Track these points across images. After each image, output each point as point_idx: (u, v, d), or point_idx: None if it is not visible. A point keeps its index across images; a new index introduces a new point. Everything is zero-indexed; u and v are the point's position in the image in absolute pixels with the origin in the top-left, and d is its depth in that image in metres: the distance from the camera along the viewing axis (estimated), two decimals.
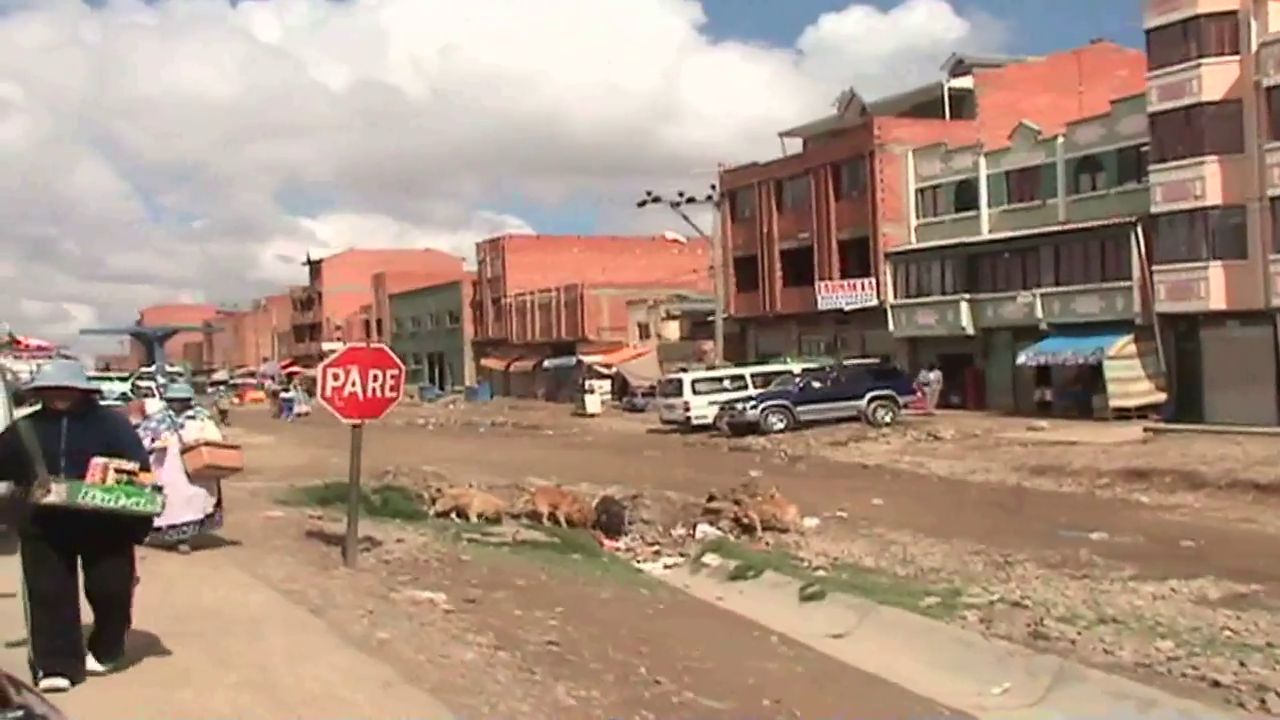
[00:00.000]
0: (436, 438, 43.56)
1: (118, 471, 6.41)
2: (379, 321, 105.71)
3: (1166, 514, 21.15)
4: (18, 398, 12.90)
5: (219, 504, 12.50)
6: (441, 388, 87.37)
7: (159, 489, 6.64)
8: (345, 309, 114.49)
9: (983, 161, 45.16)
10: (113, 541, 6.68)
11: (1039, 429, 34.60)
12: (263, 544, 13.07)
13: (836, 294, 49.88)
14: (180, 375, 44.33)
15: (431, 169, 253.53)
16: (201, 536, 12.23)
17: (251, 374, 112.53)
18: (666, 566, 16.18)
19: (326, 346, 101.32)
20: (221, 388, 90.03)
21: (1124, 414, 36.57)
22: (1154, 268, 37.10)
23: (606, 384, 64.59)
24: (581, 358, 70.54)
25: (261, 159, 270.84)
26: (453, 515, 17.78)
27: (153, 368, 42.00)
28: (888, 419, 38.60)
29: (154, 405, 17.71)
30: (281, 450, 31.47)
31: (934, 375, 43.14)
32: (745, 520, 18.40)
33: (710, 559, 15.59)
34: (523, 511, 18.75)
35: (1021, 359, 41.37)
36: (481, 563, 13.20)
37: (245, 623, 8.32)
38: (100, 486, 6.35)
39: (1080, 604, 11.65)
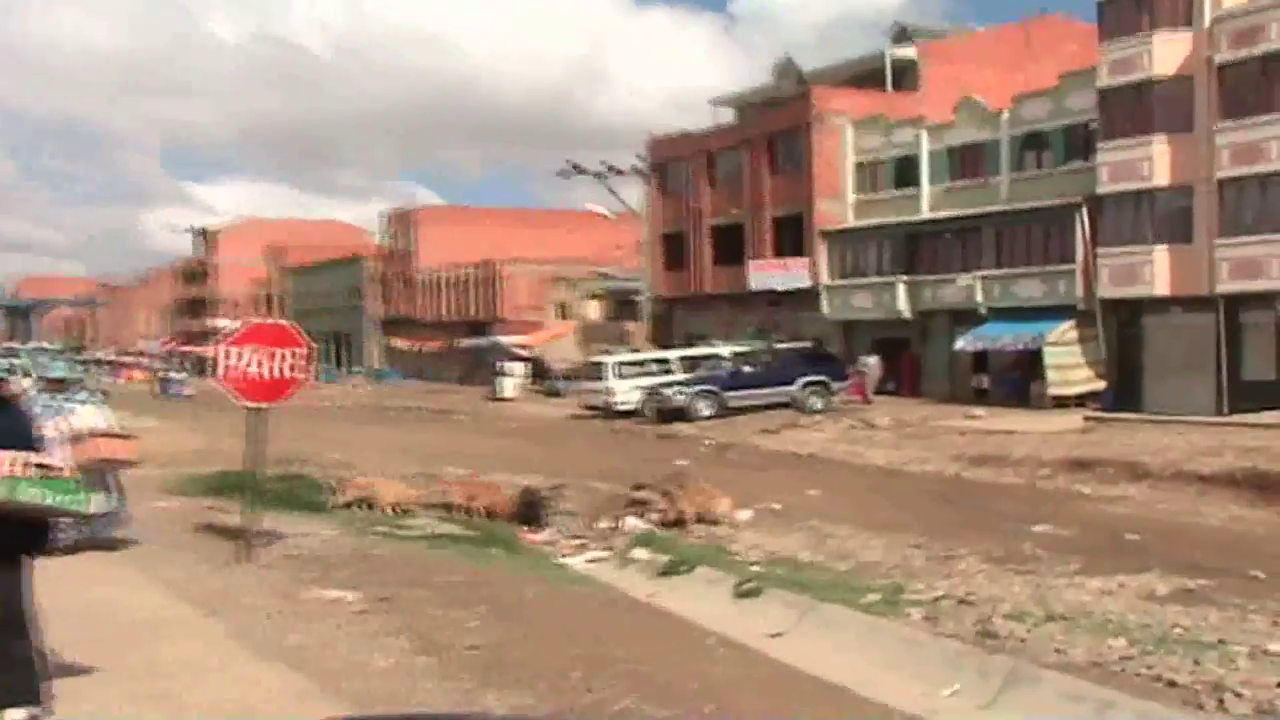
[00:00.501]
0: (340, 423, 43.05)
1: (36, 466, 5.80)
2: (275, 297, 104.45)
3: (1109, 506, 21.45)
4: None
5: (121, 498, 12.18)
6: (344, 370, 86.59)
7: (92, 486, 6.12)
8: (238, 283, 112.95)
9: (925, 136, 45.54)
10: (9, 549, 5.95)
11: (976, 417, 35.01)
12: (153, 539, 12.79)
13: (769, 274, 50.12)
14: (60, 353, 43.37)
15: (336, 134, 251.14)
16: (99, 537, 11.83)
17: (133, 352, 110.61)
18: (591, 561, 16.10)
19: (218, 323, 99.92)
20: (101, 366, 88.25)
21: (1063, 402, 37.14)
22: (1097, 251, 37.68)
23: (524, 367, 64.39)
24: (497, 339, 70.22)
25: (149, 118, 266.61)
26: (361, 506, 17.62)
27: (24, 344, 41.10)
28: (820, 405, 38.92)
29: (24, 387, 17.23)
30: (168, 435, 30.85)
31: (873, 360, 43.49)
32: (676, 513, 18.36)
33: (639, 553, 15.52)
34: (437, 503, 18.59)
35: (959, 344, 41.85)
36: (395, 558, 13.08)
37: (139, 628, 8.11)
38: (38, 482, 5.74)
39: (1027, 600, 11.75)
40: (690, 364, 43.49)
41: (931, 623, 10.53)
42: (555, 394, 56.09)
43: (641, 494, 19.27)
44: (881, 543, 16.81)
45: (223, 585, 10.20)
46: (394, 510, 17.64)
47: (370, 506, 17.61)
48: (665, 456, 29.13)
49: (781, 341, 46.24)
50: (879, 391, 42.68)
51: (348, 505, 17.71)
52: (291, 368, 12.15)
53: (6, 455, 5.73)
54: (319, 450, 24.29)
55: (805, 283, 48.57)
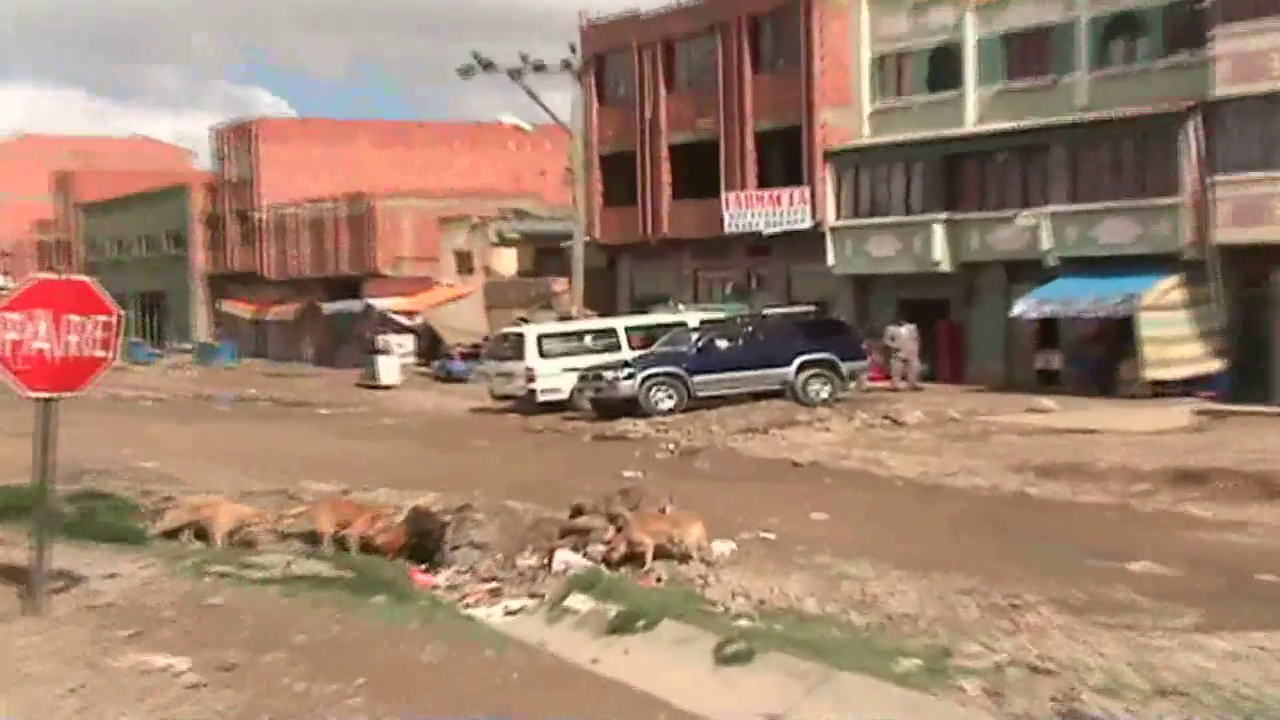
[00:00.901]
0: (158, 419, 42.91)
1: None
2: (67, 244, 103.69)
3: (1234, 534, 21.53)
4: None
5: None
6: (161, 345, 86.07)
7: None
8: (13, 226, 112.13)
9: (970, 19, 45.62)
10: None
11: (1044, 410, 35.18)
12: None
13: (752, 211, 50.13)
14: None
15: (147, 20, 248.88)
16: None
17: None
18: (510, 612, 16.08)
19: None
20: None
21: (1163, 389, 37.34)
22: (1213, 178, 37.80)
23: (410, 341, 64.24)
24: (371, 302, 70.06)
25: None
26: (190, 537, 17.70)
27: None
28: (826, 395, 39.04)
29: None
30: None
31: (905, 330, 43.49)
32: (627, 546, 18.33)
33: (577, 601, 15.51)
34: (297, 532, 18.58)
35: (1019, 309, 42.03)
36: (240, 609, 13.09)
37: None
38: None
39: (1125, 667, 11.78)
40: (644, 337, 43.44)
41: (994, 699, 10.55)
42: (453, 378, 56.28)
43: (581, 520, 19.24)
44: (917, 586, 16.80)
45: (2, 648, 10.10)
46: (236, 542, 17.63)
47: (203, 537, 17.64)
48: (609, 466, 29.09)
49: (771, 305, 46.35)
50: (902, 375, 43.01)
51: (172, 535, 17.75)
52: (94, 342, 12.10)
53: None
54: (131, 458, 24.14)
55: (803, 223, 48.67)
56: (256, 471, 25.45)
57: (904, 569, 17.88)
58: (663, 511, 19.43)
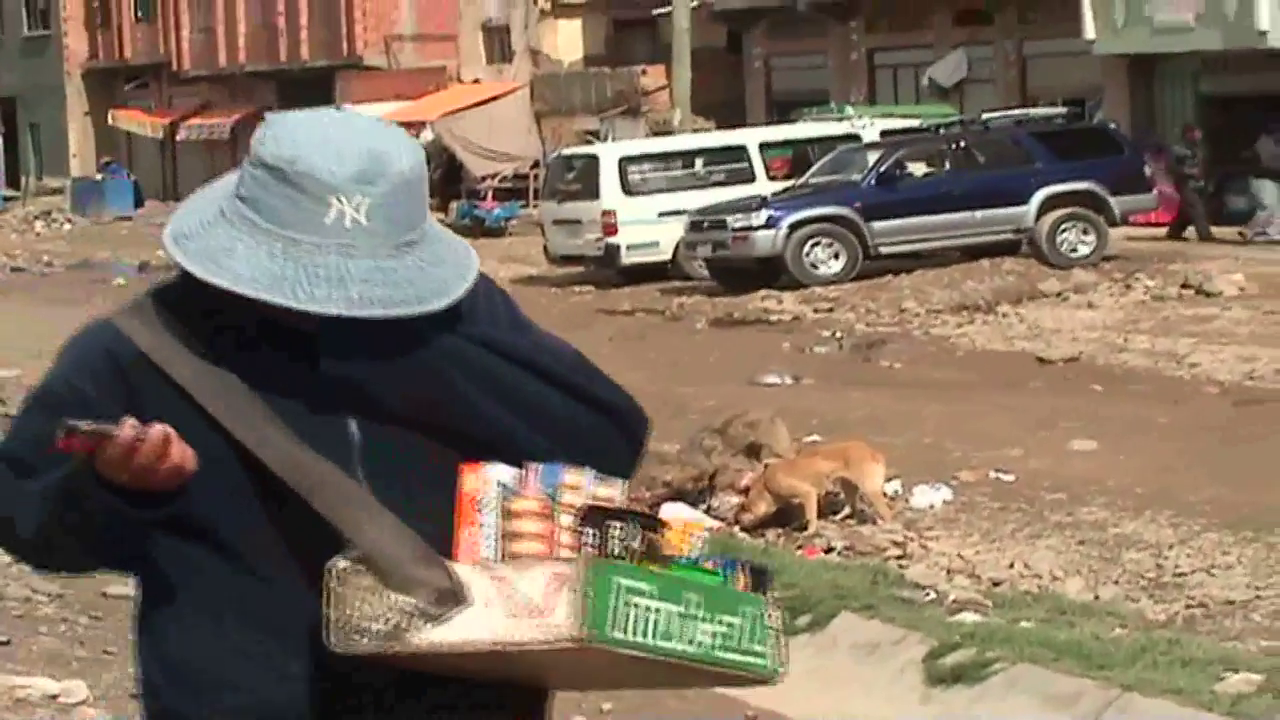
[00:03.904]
0: (9, 301, 43.26)
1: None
2: None
3: None
4: None
5: None
6: (16, 183, 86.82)
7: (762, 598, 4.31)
8: None
9: None
10: None
11: None
12: None
13: None
14: None
15: None
16: None
17: None
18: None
19: None
20: None
21: None
22: None
23: None
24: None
25: None
26: None
27: None
28: (1088, 250, 39.14)
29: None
30: None
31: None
32: (777, 495, 18.44)
33: None
34: None
35: None
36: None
37: None
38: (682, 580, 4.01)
39: None
40: (789, 159, 43.87)
41: None
42: (485, 230, 56.38)
43: (705, 454, 19.32)
44: (1249, 555, 16.87)
45: None
46: None
47: None
48: (738, 366, 29.44)
49: (993, 109, 46.09)
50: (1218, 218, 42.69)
51: None
52: None
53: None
54: None
55: None
56: None
57: (1225, 528, 17.91)
58: (821, 446, 19.60)
